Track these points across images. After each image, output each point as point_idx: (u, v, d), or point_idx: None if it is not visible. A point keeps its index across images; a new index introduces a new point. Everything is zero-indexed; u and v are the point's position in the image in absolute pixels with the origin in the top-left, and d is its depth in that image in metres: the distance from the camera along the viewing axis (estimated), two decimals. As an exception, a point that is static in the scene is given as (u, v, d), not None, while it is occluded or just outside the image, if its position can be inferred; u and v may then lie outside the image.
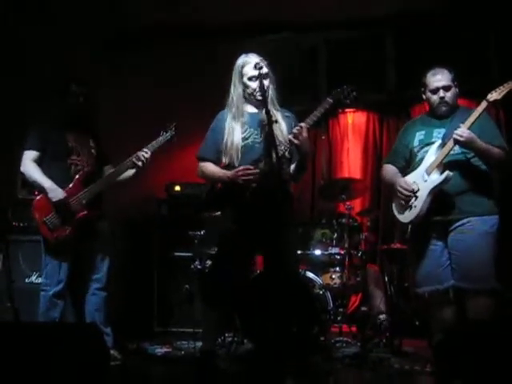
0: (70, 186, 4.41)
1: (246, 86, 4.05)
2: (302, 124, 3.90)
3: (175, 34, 6.57)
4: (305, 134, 3.86)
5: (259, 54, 4.08)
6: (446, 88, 4.05)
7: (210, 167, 4.14)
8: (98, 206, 4.56)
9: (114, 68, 6.32)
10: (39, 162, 4.46)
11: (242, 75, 4.04)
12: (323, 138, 7.13)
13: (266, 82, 3.97)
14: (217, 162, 4.14)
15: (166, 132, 4.54)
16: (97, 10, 5.83)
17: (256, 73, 3.94)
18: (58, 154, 4.48)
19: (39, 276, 5.05)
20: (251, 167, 3.94)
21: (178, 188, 6.31)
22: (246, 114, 4.11)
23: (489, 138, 3.93)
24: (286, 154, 3.94)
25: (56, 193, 4.35)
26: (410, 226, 4.29)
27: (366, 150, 7.23)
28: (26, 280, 5.14)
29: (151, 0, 6.00)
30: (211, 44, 6.56)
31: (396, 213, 4.19)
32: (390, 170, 4.33)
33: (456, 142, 3.84)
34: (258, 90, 3.98)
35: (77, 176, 4.44)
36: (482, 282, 3.87)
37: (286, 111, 4.20)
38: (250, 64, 4.00)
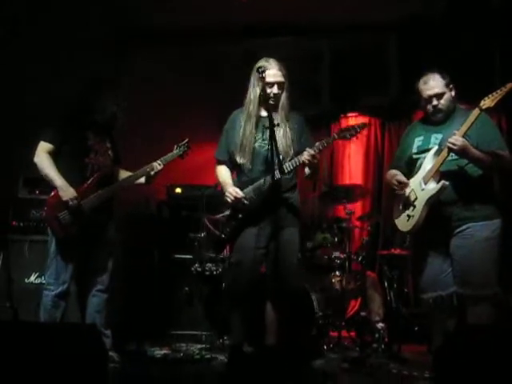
0: (85, 185, 4.38)
1: (262, 89, 4.15)
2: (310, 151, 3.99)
3: (179, 35, 6.57)
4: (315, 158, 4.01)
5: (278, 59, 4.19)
6: (439, 95, 4.01)
7: (221, 172, 4.38)
8: (109, 209, 4.55)
9: (118, 65, 6.31)
10: (54, 156, 4.39)
11: (260, 78, 4.11)
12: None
13: (280, 91, 4.16)
14: (230, 162, 4.34)
15: (180, 147, 4.65)
16: (101, 9, 5.83)
17: (272, 79, 4.11)
18: (77, 152, 4.43)
19: (39, 276, 5.06)
20: (240, 196, 4.13)
21: (178, 190, 6.31)
22: (258, 117, 4.24)
23: (486, 144, 3.91)
24: (290, 166, 4.05)
25: (67, 192, 4.31)
26: (408, 236, 4.28)
27: (368, 155, 7.23)
28: (26, 280, 5.12)
29: (151, 1, 6.02)
30: (216, 46, 6.56)
31: (396, 221, 4.18)
32: (392, 171, 4.32)
33: (450, 150, 3.83)
34: (272, 95, 4.15)
35: (93, 177, 4.42)
36: (482, 288, 3.86)
37: (296, 114, 4.32)
38: (268, 70, 4.11)
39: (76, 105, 4.60)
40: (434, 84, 4.01)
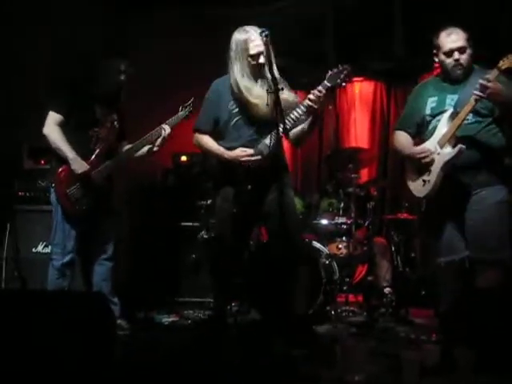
0: (92, 158, 4.37)
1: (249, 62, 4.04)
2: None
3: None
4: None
5: (259, 25, 4.00)
6: (462, 49, 3.82)
7: (206, 140, 4.21)
8: (110, 178, 4.54)
9: (124, 30, 6.23)
10: (62, 127, 4.35)
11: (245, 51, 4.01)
12: (330, 107, 7.10)
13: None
14: (212, 133, 4.21)
15: (185, 107, 4.50)
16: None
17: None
18: (83, 123, 4.40)
19: (45, 246, 5.07)
20: (251, 151, 4.00)
21: (184, 158, 6.31)
22: None
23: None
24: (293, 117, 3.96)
25: (80, 165, 4.30)
26: (425, 201, 4.19)
27: (374, 119, 7.20)
28: (33, 250, 5.14)
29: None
30: (216, 9, 6.47)
31: (411, 187, 4.09)
32: (402, 137, 4.14)
33: (477, 99, 3.63)
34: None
35: (98, 149, 4.39)
36: (498, 252, 3.77)
37: None
38: (253, 42, 3.98)
39: (83, 74, 4.57)
40: (457, 37, 3.83)
